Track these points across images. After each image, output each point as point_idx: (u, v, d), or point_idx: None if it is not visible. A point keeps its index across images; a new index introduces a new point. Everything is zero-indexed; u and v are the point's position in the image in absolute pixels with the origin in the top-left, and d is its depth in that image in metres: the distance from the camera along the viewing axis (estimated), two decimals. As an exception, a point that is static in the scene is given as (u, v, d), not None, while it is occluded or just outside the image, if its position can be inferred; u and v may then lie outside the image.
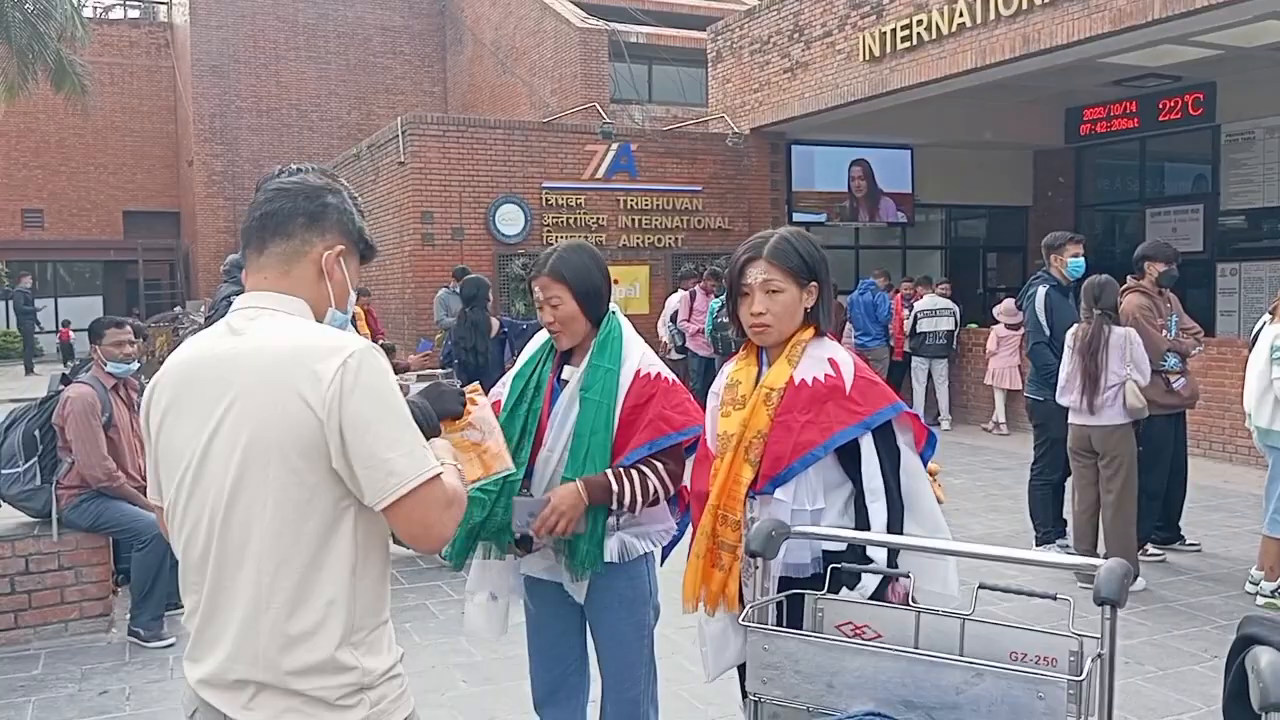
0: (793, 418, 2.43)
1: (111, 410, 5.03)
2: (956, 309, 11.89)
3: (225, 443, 1.68)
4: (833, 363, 2.48)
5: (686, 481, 2.81)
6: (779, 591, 2.28)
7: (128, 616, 5.00)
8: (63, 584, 5.01)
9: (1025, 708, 1.75)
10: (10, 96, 19.43)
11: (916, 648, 2.03)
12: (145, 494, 5.04)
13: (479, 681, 4.35)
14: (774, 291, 2.48)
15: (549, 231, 14.22)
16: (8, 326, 23.75)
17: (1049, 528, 6.16)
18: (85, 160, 26.88)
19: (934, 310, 11.69)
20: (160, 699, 4.28)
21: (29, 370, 18.95)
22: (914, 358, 11.83)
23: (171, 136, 27.63)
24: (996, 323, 11.14)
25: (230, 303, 2.99)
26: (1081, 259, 6.26)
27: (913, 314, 11.79)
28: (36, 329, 21.27)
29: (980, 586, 2.04)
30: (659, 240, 14.91)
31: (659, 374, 2.75)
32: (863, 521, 2.43)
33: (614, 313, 2.82)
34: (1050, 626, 2.03)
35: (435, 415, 2.14)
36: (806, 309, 2.52)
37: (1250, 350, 5.51)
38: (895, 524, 2.43)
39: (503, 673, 4.38)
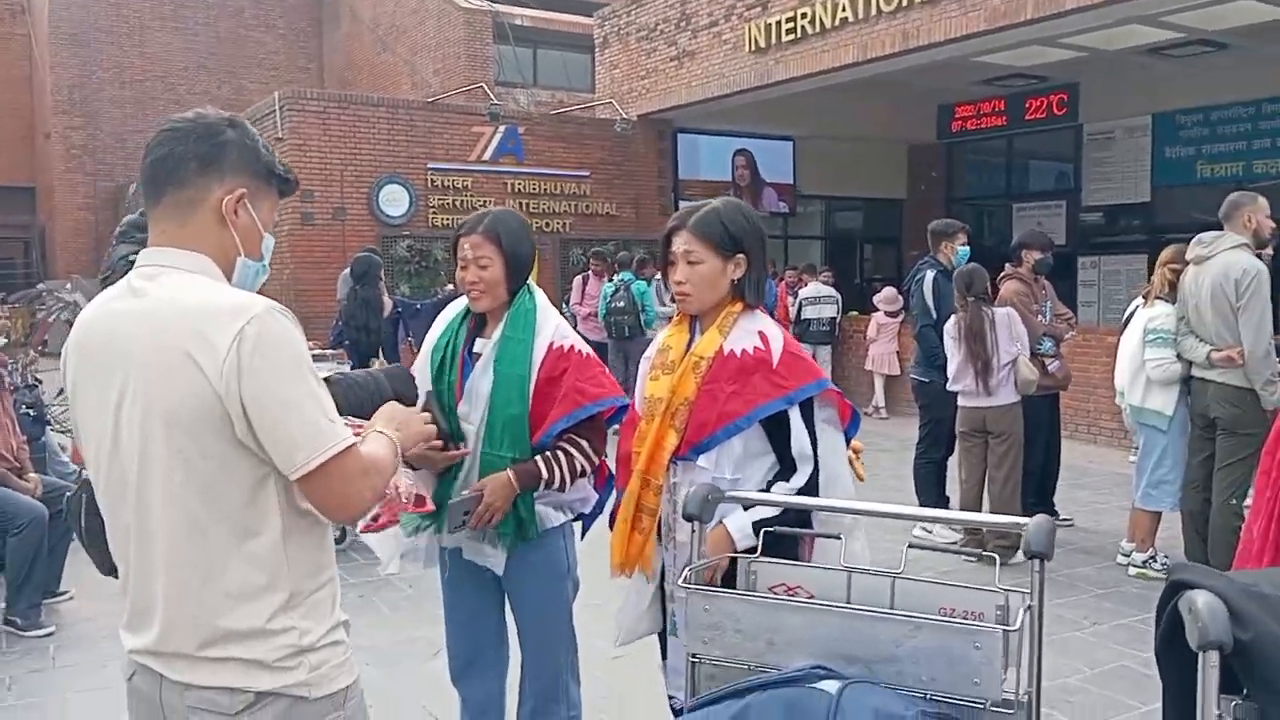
0: (719, 387, 2.47)
1: None
2: (839, 297, 12.21)
3: (131, 412, 1.62)
4: (762, 336, 2.52)
5: (609, 452, 2.84)
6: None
7: (2, 605, 4.73)
8: (-73, 573, 4.71)
9: (962, 657, 1.82)
10: None
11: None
12: (21, 475, 4.84)
13: (382, 664, 4.27)
14: (694, 263, 2.51)
15: (434, 213, 14.00)
16: None
17: (934, 504, 6.40)
18: (-71, 131, 25.12)
19: (818, 298, 11.98)
20: (43, 689, 4.08)
21: None
22: (800, 344, 12.10)
23: (26, 108, 25.99)
24: (876, 310, 11.49)
25: (129, 263, 2.87)
26: (968, 248, 6.50)
27: (798, 301, 12.05)
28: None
29: (910, 546, 2.12)
30: (546, 225, 14.83)
31: (573, 346, 2.75)
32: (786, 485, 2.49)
33: (529, 286, 2.81)
34: (973, 583, 2.11)
35: (391, 395, 2.09)
36: (733, 280, 2.55)
37: (1121, 333, 5.84)
38: (808, 495, 2.49)
39: (403, 653, 4.32)
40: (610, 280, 10.44)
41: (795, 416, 2.46)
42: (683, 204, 15.17)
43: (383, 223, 13.70)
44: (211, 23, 24.96)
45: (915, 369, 6.66)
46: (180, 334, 1.57)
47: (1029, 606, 1.87)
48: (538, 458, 2.65)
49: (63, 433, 6.53)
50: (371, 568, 5.39)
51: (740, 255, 2.54)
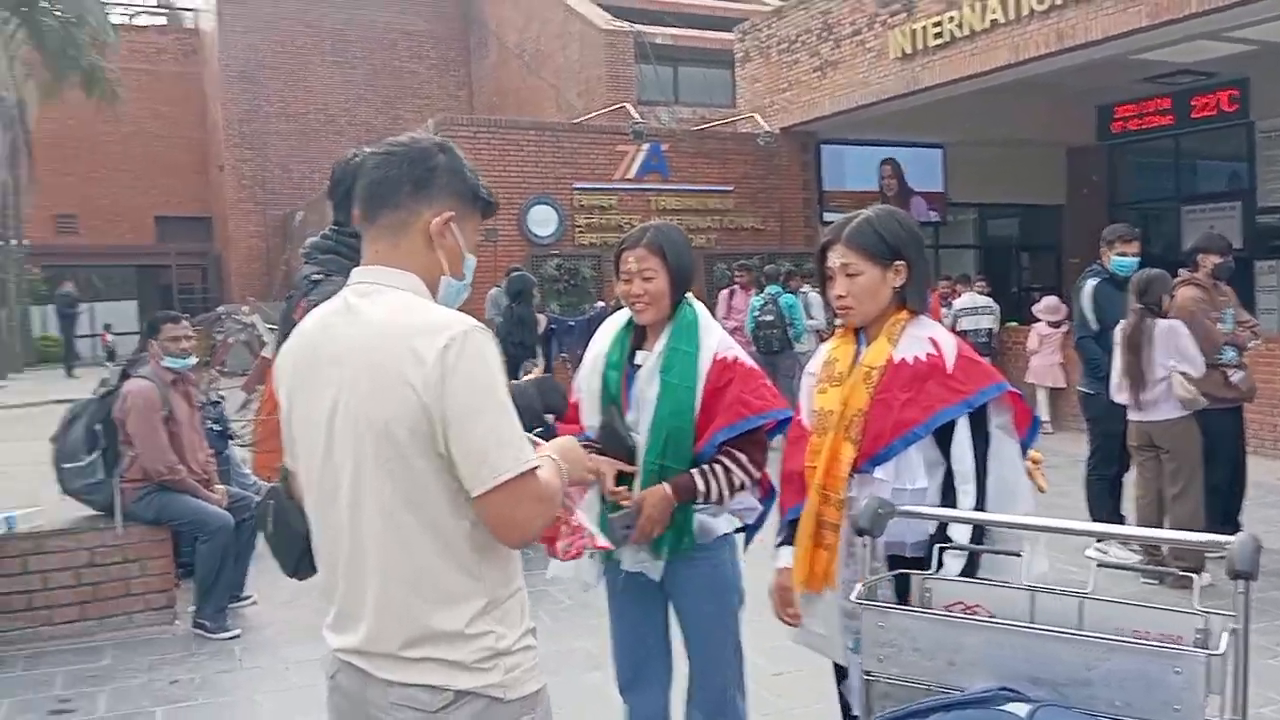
0: (893, 395, 2.42)
1: (171, 405, 5.06)
2: (996, 307, 11.83)
3: (344, 423, 1.70)
4: (934, 341, 2.46)
5: (770, 466, 2.84)
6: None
7: (191, 609, 5.04)
8: (127, 576, 5.06)
9: (1160, 683, 1.73)
10: (44, 99, 19.61)
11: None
12: (208, 487, 5.15)
13: (545, 672, 4.35)
14: (852, 275, 2.48)
15: (581, 232, 14.24)
16: (45, 331, 23.96)
17: (1109, 522, 6.11)
18: (116, 166, 27.08)
19: (974, 308, 11.63)
20: (231, 689, 4.31)
21: (69, 373, 19.09)
22: (972, 348, 11.77)
23: (200, 142, 27.82)
24: (1037, 321, 11.07)
25: (312, 283, 3.02)
26: (1129, 258, 6.17)
27: (952, 312, 11.73)
28: (75, 334, 21.44)
29: (1100, 565, 2.03)
30: (692, 241, 14.80)
31: (737, 358, 2.75)
32: (950, 502, 2.42)
33: (688, 299, 2.82)
34: (1153, 602, 2.01)
35: (541, 408, 2.14)
36: (895, 288, 2.50)
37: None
38: (979, 509, 2.41)
39: (565, 664, 4.38)
40: (758, 294, 10.39)
41: (962, 429, 2.38)
42: (828, 216, 15.09)
43: (532, 242, 14.02)
44: (368, 56, 26.13)
45: (1081, 381, 6.39)
46: (392, 350, 1.65)
47: (1233, 630, 1.77)
48: (694, 470, 2.66)
49: (245, 447, 6.92)
50: (531, 577, 5.49)
51: (900, 262, 2.49)
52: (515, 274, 7.46)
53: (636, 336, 2.85)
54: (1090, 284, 6.17)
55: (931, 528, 2.40)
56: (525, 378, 2.55)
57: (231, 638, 4.90)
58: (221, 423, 6.31)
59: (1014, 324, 12.39)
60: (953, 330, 11.49)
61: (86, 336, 24.38)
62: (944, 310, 11.94)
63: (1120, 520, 6.13)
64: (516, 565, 1.80)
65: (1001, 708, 1.73)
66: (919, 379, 2.41)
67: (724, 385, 2.69)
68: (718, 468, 2.68)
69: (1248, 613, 1.78)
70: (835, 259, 2.51)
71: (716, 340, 2.76)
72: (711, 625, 2.81)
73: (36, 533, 4.95)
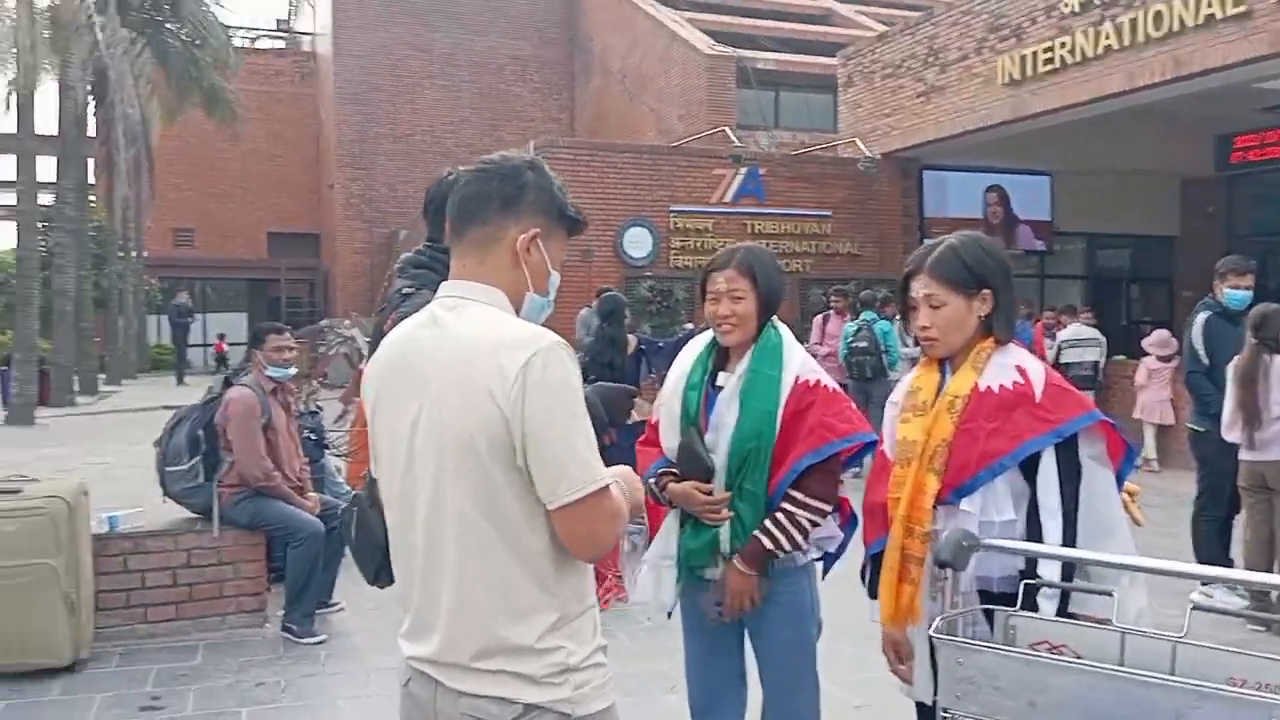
0: (978, 425, 2.34)
1: (270, 413, 5.20)
2: (1103, 339, 11.44)
3: (427, 434, 1.72)
4: (1021, 370, 2.37)
5: (846, 493, 2.78)
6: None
7: (280, 613, 5.15)
8: (221, 579, 5.19)
9: (1256, 734, 1.63)
10: (168, 121, 20.54)
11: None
12: (302, 494, 5.28)
13: (620, 693, 4.33)
14: (936, 306, 2.41)
15: (675, 254, 14.28)
16: (159, 339, 25.02)
17: (1216, 565, 5.82)
18: (233, 183, 28.24)
19: (1079, 340, 11.26)
20: (314, 693, 4.39)
21: (180, 381, 19.86)
22: (1061, 375, 11.41)
23: (313, 162, 28.81)
24: (1146, 355, 10.67)
25: (403, 296, 3.08)
26: (1243, 292, 5.89)
27: (1056, 344, 11.38)
28: (189, 343, 22.36)
29: (1194, 608, 1.93)
30: (787, 265, 14.78)
31: (819, 381, 2.71)
32: (1035, 534, 2.32)
33: (773, 322, 2.79)
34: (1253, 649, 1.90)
35: (606, 416, 2.14)
36: (981, 317, 2.43)
37: None
38: (1068, 543, 2.31)
39: (641, 685, 4.35)
40: (852, 320, 10.24)
41: (1048, 459, 2.28)
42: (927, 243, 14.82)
43: (626, 264, 14.12)
44: (474, 79, 26.75)
45: (1190, 418, 6.12)
46: (476, 363, 1.67)
47: (1338, 682, 1.66)
48: (757, 532, 2.63)
49: (339, 456, 7.07)
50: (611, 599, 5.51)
51: (985, 291, 2.41)
52: (607, 294, 7.49)
53: (719, 358, 2.82)
54: (1201, 317, 5.93)
55: (1020, 563, 2.31)
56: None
57: (318, 643, 4.99)
58: (318, 432, 6.46)
59: (1122, 358, 11.95)
60: (1056, 363, 11.20)
61: (198, 346, 25.38)
62: (1048, 341, 11.61)
63: (1229, 564, 5.84)
64: (589, 582, 1.80)
65: (1083, 753, 1.65)
66: (1005, 408, 2.32)
67: (805, 408, 2.65)
68: (780, 517, 2.63)
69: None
70: (919, 289, 2.44)
71: (799, 363, 2.73)
72: (788, 653, 2.76)
73: (136, 533, 5.12)
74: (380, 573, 2.22)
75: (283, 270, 27.96)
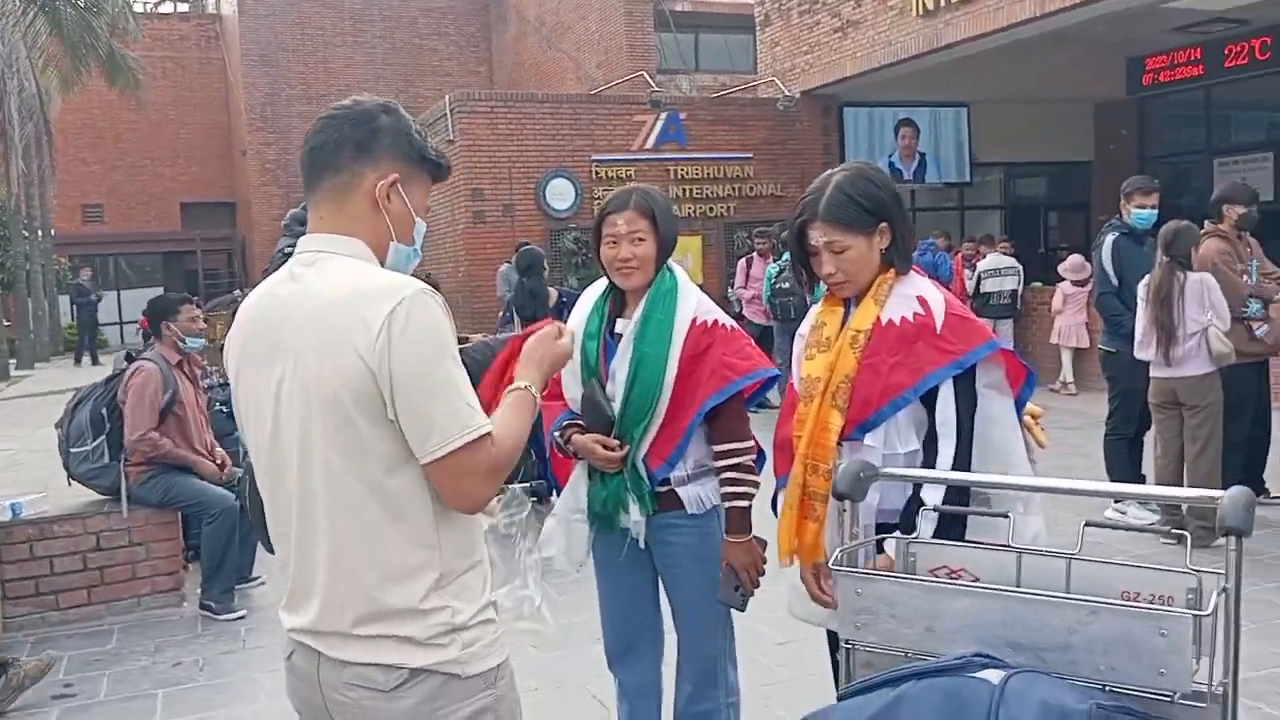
0: (880, 360, 2.30)
1: (176, 386, 5.03)
2: (1020, 268, 11.60)
3: (291, 394, 1.64)
4: (922, 300, 2.33)
5: (758, 432, 2.75)
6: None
7: (199, 591, 5.03)
8: (134, 560, 5.05)
9: (1145, 646, 1.62)
10: (65, 89, 19.74)
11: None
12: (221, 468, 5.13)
13: (545, 647, 4.30)
14: (839, 251, 2.34)
15: (599, 204, 14.10)
16: (73, 320, 24.25)
17: (1127, 482, 5.95)
18: (141, 154, 27.29)
19: (998, 269, 11.42)
20: (233, 669, 4.30)
21: (77, 361, 19.27)
22: (962, 304, 11.56)
23: (224, 128, 27.94)
24: (1062, 280, 10.85)
25: (284, 255, 2.96)
26: (1148, 211, 5.98)
27: (976, 274, 11.52)
28: (99, 321, 21.58)
29: (1086, 524, 1.91)
30: (710, 210, 14.74)
31: (716, 321, 2.67)
32: (930, 461, 2.30)
33: (669, 265, 2.73)
34: (1163, 564, 1.90)
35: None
36: (881, 251, 2.37)
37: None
38: (962, 468, 2.29)
39: (568, 637, 4.32)
40: (775, 261, 10.23)
41: (946, 387, 2.26)
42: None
43: (550, 216, 13.94)
44: (387, 35, 26.06)
45: (1101, 338, 6.22)
46: (337, 318, 1.59)
47: (1224, 589, 1.66)
48: (723, 499, 2.65)
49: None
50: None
51: (883, 224, 2.36)
52: (525, 248, 7.39)
53: (617, 305, 2.75)
54: (1109, 239, 6.00)
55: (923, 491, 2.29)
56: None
57: (237, 618, 4.89)
58: (230, 404, 6.29)
59: (1039, 285, 12.15)
60: (975, 293, 11.35)
61: (113, 325, 24.61)
62: (967, 272, 11.74)
63: (1141, 480, 5.97)
64: (477, 536, 1.73)
65: (975, 674, 1.63)
66: (907, 340, 2.29)
67: (704, 350, 2.61)
68: (730, 474, 2.64)
69: (1239, 571, 1.66)
70: (817, 237, 2.35)
71: (694, 305, 2.67)
72: (699, 595, 2.73)
73: (42, 518, 4.94)
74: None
75: (198, 241, 27.18)
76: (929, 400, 2.30)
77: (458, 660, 1.64)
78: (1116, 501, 5.66)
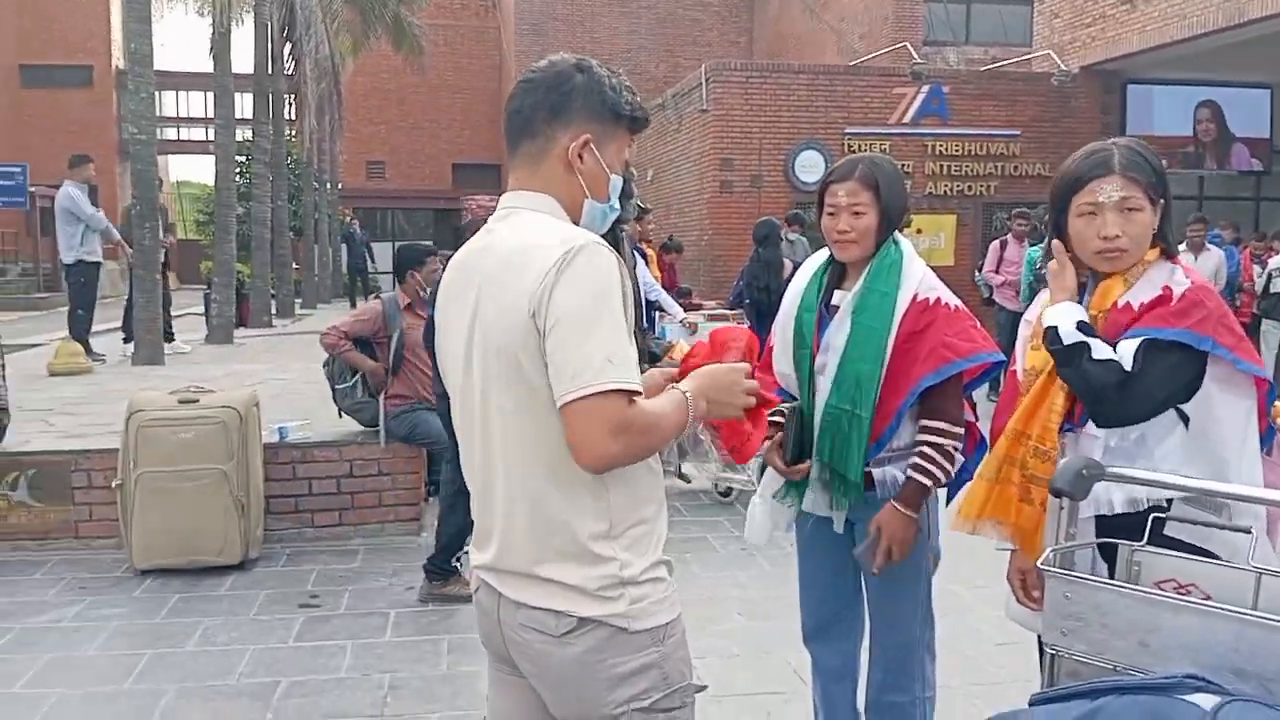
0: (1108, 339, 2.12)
1: (400, 329, 5.32)
2: (1319, 267, 10.39)
3: (477, 341, 1.70)
4: (1165, 287, 2.12)
5: (972, 415, 2.63)
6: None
7: (436, 522, 5.36)
8: (381, 489, 5.47)
9: (1397, 690, 1.43)
10: (354, 52, 21.26)
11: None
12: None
13: (754, 616, 4.30)
14: (1132, 209, 2.11)
15: (848, 178, 13.81)
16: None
17: None
18: (422, 117, 29.21)
19: (1290, 268, 10.28)
20: (458, 602, 4.55)
21: (352, 303, 20.46)
22: (1265, 320, 10.46)
23: (496, 94, 29.37)
24: (1370, 284, 9.63)
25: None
26: None
27: (1265, 272, 10.42)
28: (372, 269, 23.17)
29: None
30: (969, 188, 14.11)
31: (939, 299, 2.53)
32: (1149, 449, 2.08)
33: (895, 238, 2.61)
34: None
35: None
36: (1153, 229, 2.17)
37: None
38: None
39: (777, 609, 4.29)
40: (1034, 245, 9.63)
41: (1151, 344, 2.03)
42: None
43: (797, 189, 13.78)
44: (652, 5, 26.47)
45: None
46: (514, 266, 1.64)
47: None
48: (910, 472, 2.50)
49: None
50: (683, 525, 5.55)
51: (1163, 200, 2.17)
52: (762, 220, 7.37)
53: (836, 276, 2.68)
54: None
55: (1147, 492, 2.10)
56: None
57: (465, 553, 5.17)
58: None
59: (1344, 288, 10.83)
60: (1265, 291, 10.27)
61: (386, 273, 26.41)
62: (1256, 269, 10.64)
63: None
64: (647, 494, 1.72)
65: (1184, 697, 1.48)
66: (1138, 321, 2.09)
67: (923, 329, 2.49)
68: (929, 450, 2.49)
69: None
70: (1110, 192, 2.12)
71: (918, 281, 2.55)
72: (898, 580, 2.62)
73: (305, 443, 5.43)
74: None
75: (466, 200, 28.81)
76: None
77: (625, 614, 1.66)
78: None
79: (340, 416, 5.65)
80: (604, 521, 1.66)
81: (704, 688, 1.78)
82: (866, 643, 2.78)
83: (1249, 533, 1.89)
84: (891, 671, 2.66)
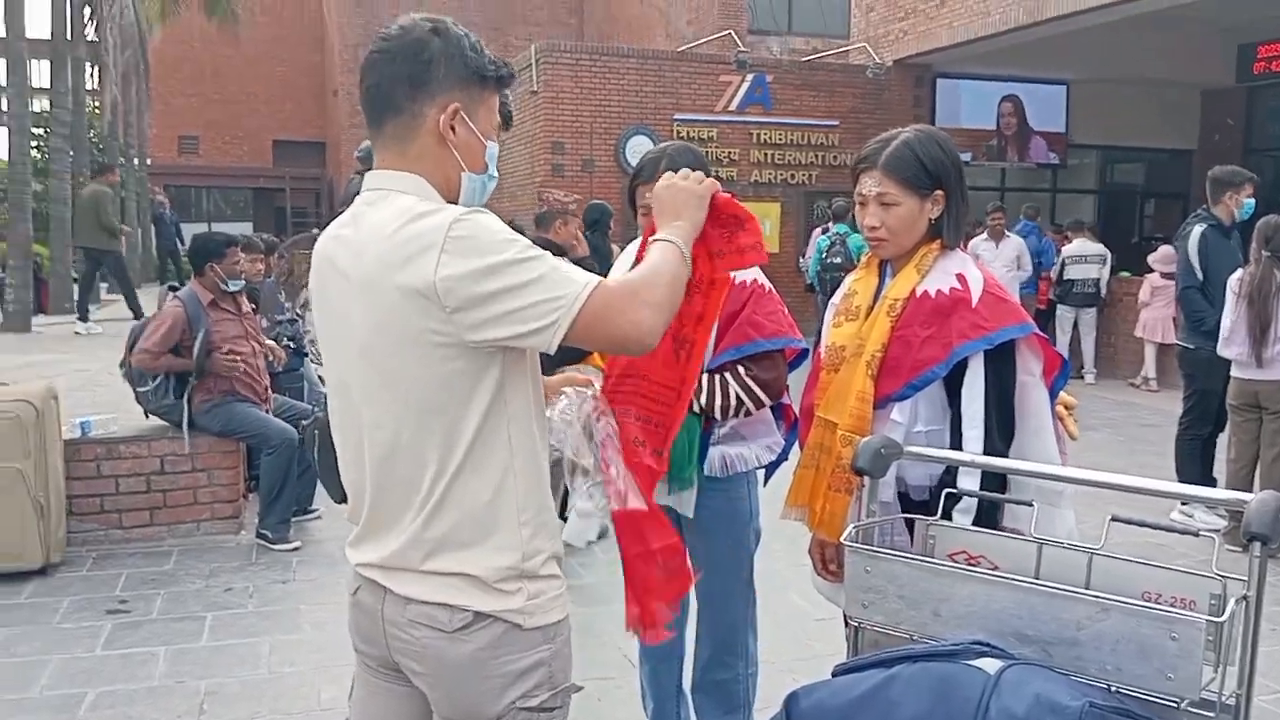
0: (913, 332, 2.24)
1: (205, 326, 5.03)
2: (1108, 255, 11.23)
3: (359, 335, 1.62)
4: (961, 278, 2.26)
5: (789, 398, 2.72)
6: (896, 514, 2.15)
7: (256, 520, 5.18)
8: (195, 485, 5.22)
9: (1155, 648, 1.57)
10: (162, 18, 20.09)
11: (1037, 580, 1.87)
12: (263, 402, 5.23)
13: (585, 601, 4.35)
14: (888, 204, 2.27)
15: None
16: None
17: (1195, 484, 5.77)
18: (239, 90, 27.87)
19: (1083, 256, 11.08)
20: (281, 599, 4.42)
21: (162, 284, 19.42)
22: (1060, 306, 11.24)
23: (319, 67, 28.37)
24: (1151, 271, 10.48)
25: (358, 192, 2.99)
26: (1254, 201, 5.76)
27: (1060, 259, 11.20)
28: (184, 251, 21.94)
29: (1112, 519, 1.86)
30: (791, 177, 14.54)
31: (754, 280, 2.62)
32: (956, 444, 2.23)
33: None
34: (1191, 566, 1.83)
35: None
36: (931, 219, 2.31)
37: None
38: (991, 453, 2.22)
39: (609, 594, 4.36)
40: (823, 234, 10.00)
41: (976, 367, 2.18)
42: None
43: (629, 174, 13.84)
44: (483, -21, 26.06)
45: (1180, 334, 6.00)
46: (390, 255, 1.54)
47: (1244, 597, 1.60)
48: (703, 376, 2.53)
49: (320, 365, 7.05)
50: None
51: (939, 192, 2.29)
52: (592, 203, 7.37)
53: None
54: (1197, 230, 5.78)
55: (940, 472, 2.24)
56: None
57: (291, 549, 5.02)
58: (297, 340, 6.42)
59: (1126, 274, 11.75)
60: (1060, 278, 11.03)
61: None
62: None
63: (1211, 483, 5.78)
64: (543, 485, 1.70)
65: (971, 662, 1.60)
66: (940, 314, 2.22)
67: (739, 308, 2.58)
68: (715, 377, 2.56)
69: (1263, 580, 1.60)
70: (869, 186, 2.29)
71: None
72: (723, 560, 2.71)
73: (110, 438, 5.13)
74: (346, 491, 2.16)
75: (288, 179, 27.73)
76: (957, 379, 2.23)
77: (521, 610, 1.62)
78: (1184, 504, 5.50)
79: (147, 418, 5.34)
80: (510, 506, 1.62)
81: (580, 688, 1.75)
82: (692, 622, 2.86)
83: (1031, 505, 2.05)
84: (718, 651, 2.75)
